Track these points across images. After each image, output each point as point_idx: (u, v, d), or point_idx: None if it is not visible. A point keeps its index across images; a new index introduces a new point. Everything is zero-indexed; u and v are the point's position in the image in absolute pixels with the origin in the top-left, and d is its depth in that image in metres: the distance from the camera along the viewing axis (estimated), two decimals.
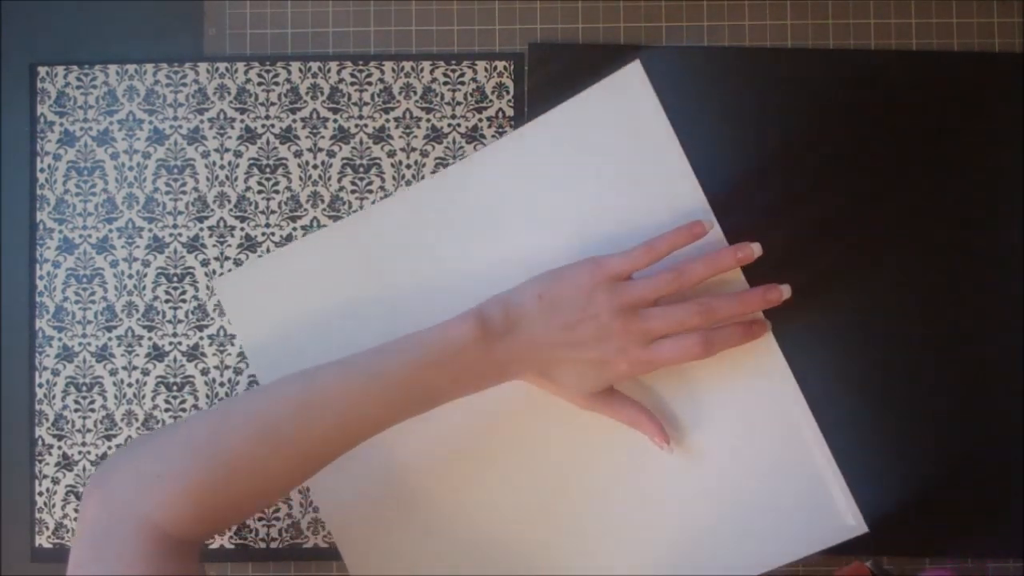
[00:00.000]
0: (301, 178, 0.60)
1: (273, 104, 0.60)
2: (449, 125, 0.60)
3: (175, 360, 0.60)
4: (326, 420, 0.49)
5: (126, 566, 0.45)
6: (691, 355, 0.52)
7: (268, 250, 0.60)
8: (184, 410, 0.60)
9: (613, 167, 0.58)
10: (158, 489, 0.47)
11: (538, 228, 0.58)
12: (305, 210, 0.60)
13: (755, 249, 0.53)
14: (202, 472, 0.47)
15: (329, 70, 0.60)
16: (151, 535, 0.46)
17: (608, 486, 0.58)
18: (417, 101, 0.60)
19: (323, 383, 0.50)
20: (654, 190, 0.57)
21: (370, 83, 0.60)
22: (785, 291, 0.54)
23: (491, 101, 0.60)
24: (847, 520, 0.56)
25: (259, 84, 0.60)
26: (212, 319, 0.60)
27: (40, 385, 0.60)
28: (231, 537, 0.59)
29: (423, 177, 0.60)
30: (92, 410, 0.60)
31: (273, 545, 0.59)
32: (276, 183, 0.60)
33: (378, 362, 0.50)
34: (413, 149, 0.60)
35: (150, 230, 0.60)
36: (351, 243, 0.59)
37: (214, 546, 0.59)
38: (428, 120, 0.60)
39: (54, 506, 0.59)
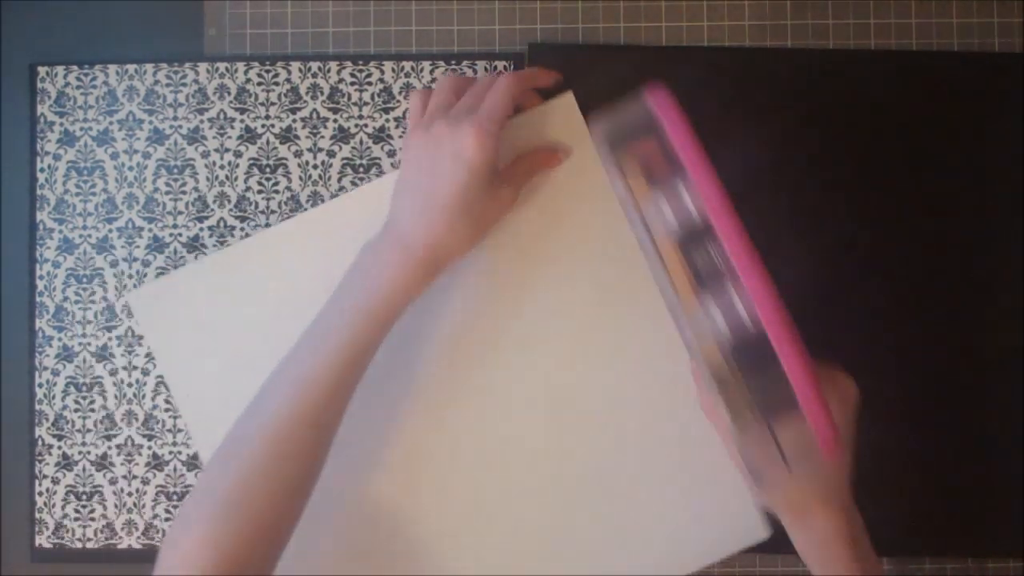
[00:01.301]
0: (301, 178, 0.60)
1: (273, 104, 0.60)
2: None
3: None
4: (281, 408, 0.49)
5: None
6: (507, 86, 0.52)
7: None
8: None
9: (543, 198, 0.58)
10: (178, 553, 0.47)
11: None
12: (305, 210, 0.60)
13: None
14: (211, 526, 0.47)
15: (329, 70, 0.60)
16: None
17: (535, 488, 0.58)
18: None
19: (269, 383, 0.50)
20: (583, 221, 0.58)
21: (370, 83, 0.60)
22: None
23: None
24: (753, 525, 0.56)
25: (259, 84, 0.60)
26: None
27: (40, 385, 0.60)
28: None
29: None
30: (92, 410, 0.60)
31: None
32: (276, 183, 0.60)
33: (308, 331, 0.51)
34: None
35: (150, 230, 0.60)
36: (260, 257, 0.58)
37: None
38: None
39: (54, 506, 0.59)
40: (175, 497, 0.59)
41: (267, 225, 0.60)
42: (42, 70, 0.61)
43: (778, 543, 0.58)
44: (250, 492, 0.48)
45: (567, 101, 0.58)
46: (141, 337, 0.60)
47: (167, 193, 0.60)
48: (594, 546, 0.57)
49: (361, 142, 0.60)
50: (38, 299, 0.60)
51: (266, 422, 0.49)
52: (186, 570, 0.46)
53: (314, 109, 0.60)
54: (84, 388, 0.60)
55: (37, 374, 0.60)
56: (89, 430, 0.60)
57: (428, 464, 0.58)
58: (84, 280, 0.60)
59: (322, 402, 0.49)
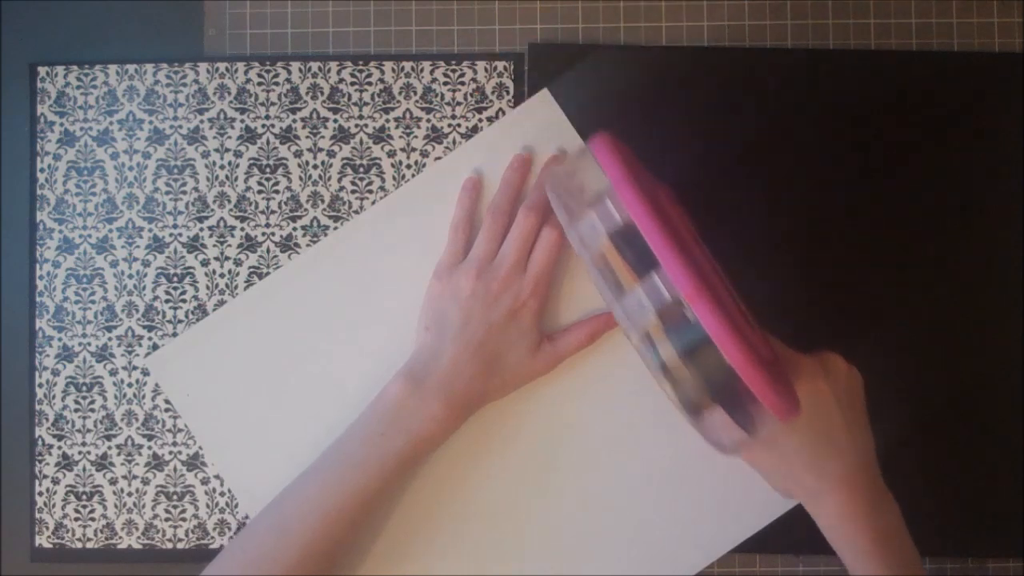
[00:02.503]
0: (301, 178, 0.60)
1: (273, 104, 0.60)
2: (449, 125, 0.60)
3: None
4: (305, 534, 0.52)
5: None
6: (553, 242, 0.55)
7: (268, 250, 0.60)
8: None
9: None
10: None
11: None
12: (305, 210, 0.60)
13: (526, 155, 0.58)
14: None
15: (329, 70, 0.60)
16: None
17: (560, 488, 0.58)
18: (417, 101, 0.60)
19: (292, 504, 0.53)
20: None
21: (370, 83, 0.60)
22: None
23: (491, 101, 0.60)
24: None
25: (259, 84, 0.60)
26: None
27: (40, 385, 0.60)
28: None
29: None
30: (92, 410, 0.60)
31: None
32: (276, 183, 0.60)
33: (335, 456, 0.54)
34: (413, 149, 0.60)
35: (150, 230, 0.60)
36: (273, 303, 0.59)
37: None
38: (428, 120, 0.60)
39: (54, 506, 0.59)
40: (175, 497, 0.59)
41: (267, 225, 0.60)
42: (42, 70, 0.61)
43: (778, 543, 0.58)
44: None
45: (544, 98, 0.58)
46: (141, 338, 0.60)
47: (167, 193, 0.60)
48: (612, 539, 0.57)
49: (361, 142, 0.60)
50: (38, 299, 0.60)
51: (289, 545, 0.52)
52: None
53: (314, 109, 0.60)
54: (84, 388, 0.60)
55: (37, 374, 0.60)
56: (89, 430, 0.60)
57: (433, 464, 0.58)
58: (84, 280, 0.60)
59: (343, 531, 0.53)
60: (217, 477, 0.59)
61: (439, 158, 0.59)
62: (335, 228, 0.59)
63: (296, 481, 0.54)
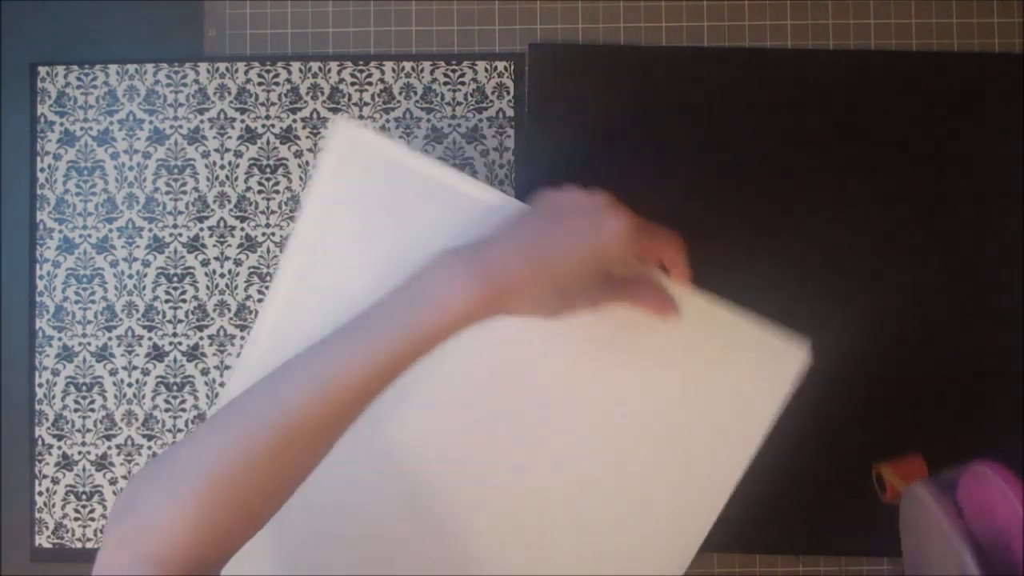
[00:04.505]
0: (301, 178, 0.60)
1: (273, 104, 0.60)
2: (449, 125, 0.60)
3: (175, 360, 0.60)
4: (301, 400, 0.46)
5: None
6: (677, 245, 0.51)
7: (268, 250, 0.60)
8: (184, 410, 0.59)
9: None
10: (156, 520, 0.44)
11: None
12: None
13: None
14: (198, 503, 0.44)
15: (329, 70, 0.60)
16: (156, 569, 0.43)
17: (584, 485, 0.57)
18: (417, 101, 0.60)
19: (292, 368, 0.47)
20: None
21: (370, 83, 0.60)
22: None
23: (491, 101, 0.60)
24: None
25: (259, 84, 0.60)
26: (212, 319, 0.60)
27: (40, 385, 0.60)
28: None
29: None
30: (92, 410, 0.60)
31: None
32: (276, 183, 0.60)
33: (344, 325, 0.47)
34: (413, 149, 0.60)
35: (150, 230, 0.60)
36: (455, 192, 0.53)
37: None
38: (428, 120, 0.60)
39: (54, 506, 0.59)
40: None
41: (267, 225, 0.60)
42: (42, 70, 0.61)
43: (777, 543, 0.58)
44: (249, 475, 0.45)
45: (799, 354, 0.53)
46: (141, 338, 0.60)
47: (167, 193, 0.60)
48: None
49: None
50: (38, 299, 0.60)
51: (282, 410, 0.46)
52: (159, 547, 0.43)
53: (314, 109, 0.60)
54: (84, 388, 0.60)
55: (37, 374, 0.60)
56: (89, 430, 0.60)
57: (443, 464, 0.58)
58: (84, 280, 0.60)
59: (345, 403, 0.46)
60: None
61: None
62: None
63: (302, 351, 0.47)
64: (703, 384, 0.54)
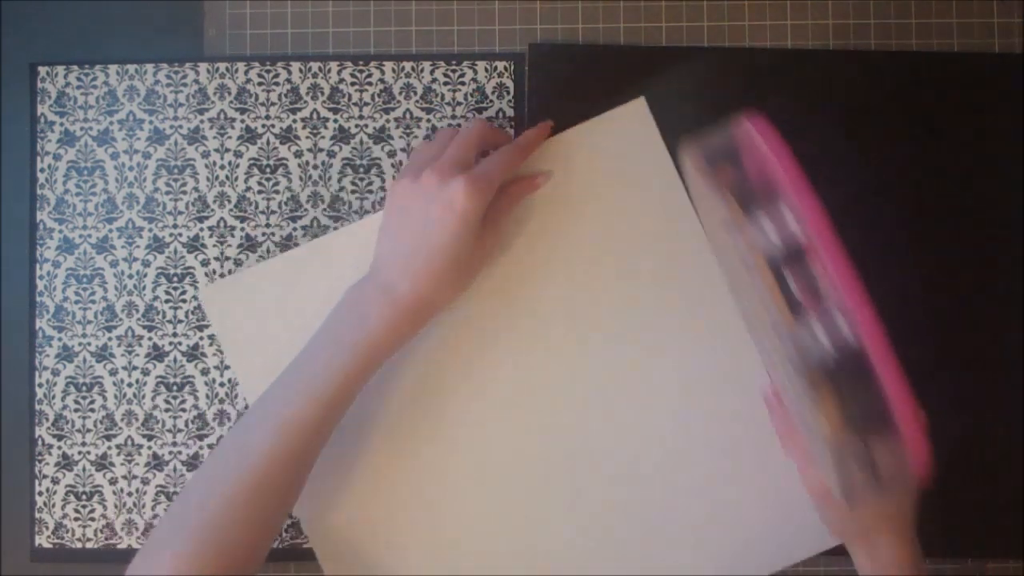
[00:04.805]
0: (301, 178, 0.60)
1: (273, 104, 0.60)
2: (450, 125, 0.60)
3: (175, 360, 0.60)
4: (266, 444, 0.50)
5: None
6: (509, 156, 0.53)
7: (268, 251, 0.60)
8: (184, 410, 0.59)
9: (613, 200, 0.58)
10: (157, 567, 0.48)
11: (528, 245, 0.58)
12: (305, 210, 0.60)
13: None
14: (193, 545, 0.48)
15: (329, 70, 0.60)
16: None
17: (604, 485, 0.58)
18: (417, 101, 0.60)
19: (253, 417, 0.52)
20: (654, 226, 0.58)
21: (370, 83, 0.60)
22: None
23: (491, 101, 0.60)
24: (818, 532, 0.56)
25: (259, 84, 0.60)
26: (203, 309, 0.60)
27: (40, 385, 0.60)
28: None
29: None
30: (92, 410, 0.60)
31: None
32: (276, 183, 0.60)
33: (293, 366, 0.52)
34: (413, 149, 0.60)
35: (150, 230, 0.60)
36: (329, 259, 0.58)
37: None
38: (428, 120, 0.60)
39: (54, 506, 0.59)
40: (175, 497, 0.59)
41: (267, 225, 0.60)
42: (42, 70, 0.61)
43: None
44: (233, 517, 0.49)
45: (638, 107, 0.58)
46: (141, 338, 0.60)
47: (167, 193, 0.60)
48: (655, 549, 0.57)
49: (361, 142, 0.60)
50: (38, 299, 0.60)
51: (251, 459, 0.50)
52: None
53: (314, 109, 0.60)
54: (84, 388, 0.60)
55: (37, 374, 0.60)
56: (89, 430, 0.60)
57: (472, 459, 0.58)
58: (84, 280, 0.60)
59: (305, 440, 0.51)
60: None
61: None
62: (335, 228, 0.60)
63: (259, 398, 0.52)
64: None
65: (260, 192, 0.60)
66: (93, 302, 0.60)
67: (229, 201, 0.60)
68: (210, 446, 0.59)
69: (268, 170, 0.60)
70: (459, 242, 0.51)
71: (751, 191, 0.44)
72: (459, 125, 0.59)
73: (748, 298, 0.49)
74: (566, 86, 0.59)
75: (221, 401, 0.59)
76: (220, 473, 0.50)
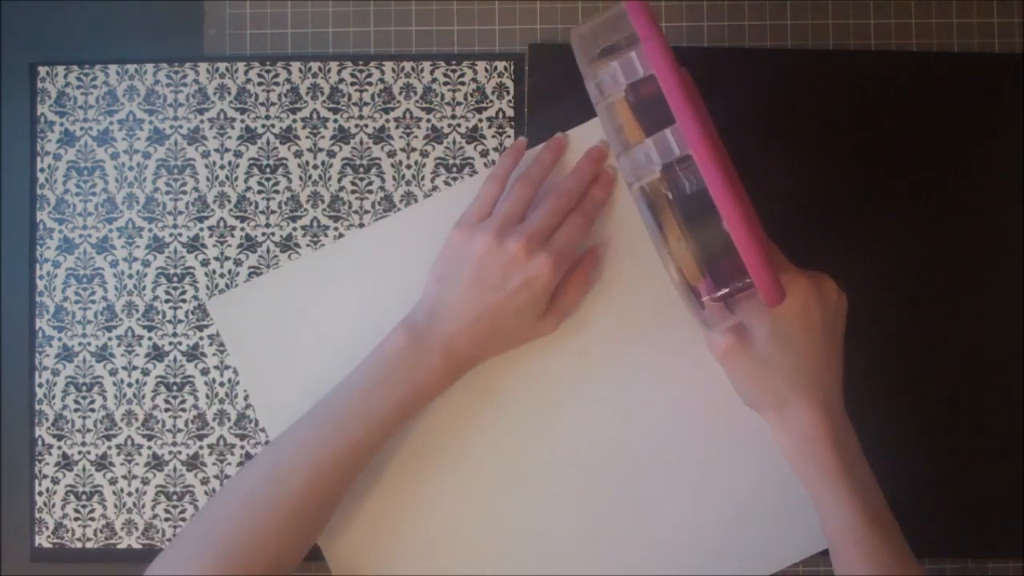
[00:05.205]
0: (301, 178, 0.60)
1: (273, 104, 0.60)
2: (449, 125, 0.60)
3: (175, 360, 0.60)
4: (300, 483, 0.51)
5: None
6: (581, 227, 0.55)
7: (268, 251, 0.60)
8: (184, 410, 0.59)
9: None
10: None
11: None
12: (305, 210, 0.60)
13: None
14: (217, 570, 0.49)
15: (329, 70, 0.60)
16: None
17: (600, 486, 0.58)
18: (417, 101, 0.60)
19: (288, 451, 0.52)
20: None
21: (370, 83, 0.60)
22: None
23: (491, 101, 0.60)
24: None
25: (259, 84, 0.60)
26: (212, 319, 0.60)
27: (40, 385, 0.60)
28: None
29: (432, 191, 0.60)
30: (92, 410, 0.60)
31: None
32: (276, 183, 0.60)
33: (332, 405, 0.53)
34: (413, 149, 0.60)
35: (150, 230, 0.60)
36: (341, 265, 0.59)
37: None
38: (428, 120, 0.60)
39: (54, 506, 0.59)
40: (175, 497, 0.59)
41: (267, 225, 0.60)
42: (42, 70, 0.61)
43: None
44: (261, 547, 0.50)
45: (595, 125, 0.59)
46: (141, 338, 0.60)
47: (167, 193, 0.60)
48: (654, 549, 0.57)
49: (361, 142, 0.60)
50: (38, 299, 0.60)
51: (284, 493, 0.51)
52: None
53: (314, 109, 0.60)
54: (84, 388, 0.60)
55: (37, 374, 0.60)
56: (89, 430, 0.60)
57: (462, 467, 0.58)
58: (84, 280, 0.60)
59: (338, 479, 0.52)
60: (217, 477, 0.59)
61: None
62: (336, 233, 0.60)
63: (292, 427, 0.53)
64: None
65: (260, 192, 0.60)
66: (93, 302, 0.60)
67: (229, 201, 0.60)
68: (210, 446, 0.59)
69: (268, 170, 0.60)
70: (530, 315, 0.54)
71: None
72: (460, 123, 0.59)
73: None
74: (566, 86, 0.59)
75: (221, 401, 0.59)
76: (251, 500, 0.51)
